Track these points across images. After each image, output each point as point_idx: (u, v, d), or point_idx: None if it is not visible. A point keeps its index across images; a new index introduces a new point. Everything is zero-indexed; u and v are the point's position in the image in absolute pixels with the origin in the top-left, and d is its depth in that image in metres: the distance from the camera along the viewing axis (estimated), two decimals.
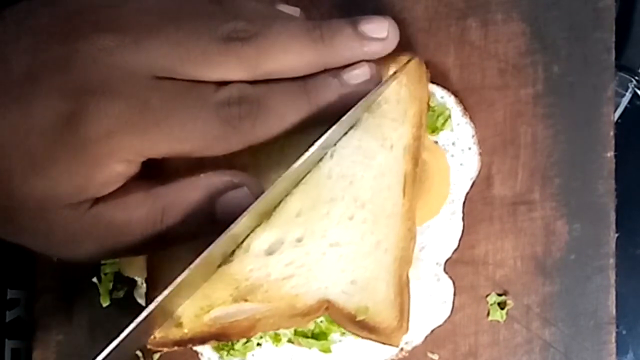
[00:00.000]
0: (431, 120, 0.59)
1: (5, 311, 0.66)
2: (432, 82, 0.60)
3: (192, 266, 0.46)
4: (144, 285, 0.58)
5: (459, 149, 0.61)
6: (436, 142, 0.60)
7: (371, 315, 0.52)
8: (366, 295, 0.52)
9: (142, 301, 0.59)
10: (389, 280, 0.52)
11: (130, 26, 0.47)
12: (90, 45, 0.46)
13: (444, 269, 0.60)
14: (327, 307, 0.52)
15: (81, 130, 0.46)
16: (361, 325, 0.52)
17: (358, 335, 0.53)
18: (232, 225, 0.47)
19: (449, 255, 0.60)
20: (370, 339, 0.53)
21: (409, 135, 0.54)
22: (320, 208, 0.52)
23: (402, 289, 0.53)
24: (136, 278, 0.59)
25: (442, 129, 0.60)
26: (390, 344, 0.53)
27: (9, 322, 0.67)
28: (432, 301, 0.60)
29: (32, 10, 0.48)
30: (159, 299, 0.46)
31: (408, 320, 0.53)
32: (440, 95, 0.61)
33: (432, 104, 0.59)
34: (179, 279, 0.46)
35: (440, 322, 0.60)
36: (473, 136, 0.61)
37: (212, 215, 0.48)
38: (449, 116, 0.60)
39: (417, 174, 0.54)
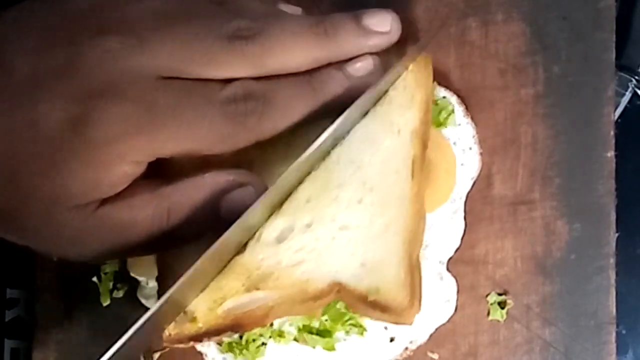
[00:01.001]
0: (434, 115, 0.59)
1: (5, 311, 0.66)
2: (434, 81, 0.60)
3: (199, 262, 0.46)
4: (149, 285, 0.58)
5: (460, 148, 0.61)
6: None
7: (382, 294, 0.52)
8: (376, 276, 0.52)
9: (145, 301, 0.59)
10: (399, 261, 0.52)
11: (135, 27, 0.47)
12: (95, 47, 0.46)
13: (447, 268, 0.60)
14: (339, 290, 0.52)
15: (89, 133, 0.46)
16: (373, 305, 0.52)
17: (371, 317, 0.53)
18: (237, 222, 0.47)
19: (451, 254, 0.61)
20: (383, 319, 0.53)
21: (417, 119, 0.54)
22: (329, 193, 0.52)
23: (413, 268, 0.52)
24: (140, 278, 0.59)
25: (445, 124, 0.60)
26: (403, 323, 0.52)
27: (9, 321, 0.66)
28: (436, 300, 0.60)
29: (34, 9, 0.48)
30: (169, 293, 0.46)
31: (420, 299, 0.53)
32: (443, 95, 0.61)
33: (435, 99, 0.60)
34: (186, 275, 0.46)
35: (444, 321, 0.60)
36: (474, 136, 0.61)
37: (217, 215, 0.48)
38: (452, 111, 0.60)
39: (425, 157, 0.54)
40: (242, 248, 0.51)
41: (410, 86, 0.54)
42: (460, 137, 0.61)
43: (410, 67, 0.55)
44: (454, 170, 0.60)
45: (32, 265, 0.63)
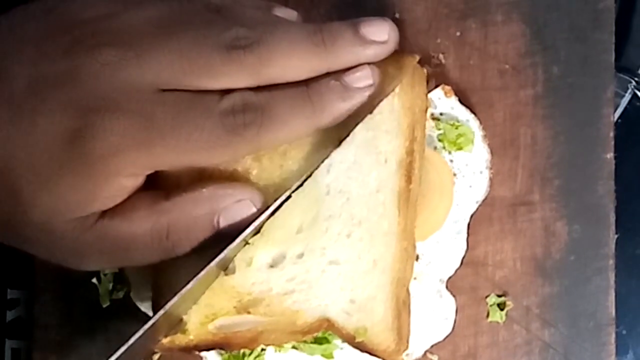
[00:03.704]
0: (452, 138, 0.59)
1: (5, 311, 0.67)
2: (461, 102, 0.60)
3: (195, 279, 0.47)
4: (146, 288, 0.58)
5: (471, 171, 0.60)
6: (451, 160, 0.60)
7: (370, 337, 0.52)
8: (364, 315, 0.52)
9: (141, 304, 0.59)
10: (387, 301, 0.53)
11: (132, 39, 0.47)
12: (93, 60, 0.46)
13: (446, 286, 0.60)
14: (327, 326, 0.52)
15: (87, 147, 0.46)
16: (361, 346, 0.53)
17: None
18: (237, 239, 0.48)
19: (451, 273, 0.60)
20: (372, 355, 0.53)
21: (402, 148, 0.53)
22: (320, 225, 0.52)
23: (400, 311, 0.53)
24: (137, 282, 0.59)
25: (460, 148, 0.60)
26: None
27: (9, 322, 0.67)
28: (434, 317, 0.60)
29: (30, 15, 0.48)
30: (161, 312, 0.46)
31: (407, 341, 0.53)
32: (466, 118, 0.61)
33: (457, 123, 0.59)
34: (181, 293, 0.47)
35: (441, 339, 0.60)
36: (487, 161, 0.61)
37: (216, 229, 0.49)
38: (472, 141, 0.60)
39: (411, 191, 0.53)
40: (230, 261, 0.51)
41: (396, 110, 0.53)
42: (474, 160, 0.61)
43: (396, 89, 0.53)
44: (450, 193, 0.59)
45: (32, 266, 0.63)
